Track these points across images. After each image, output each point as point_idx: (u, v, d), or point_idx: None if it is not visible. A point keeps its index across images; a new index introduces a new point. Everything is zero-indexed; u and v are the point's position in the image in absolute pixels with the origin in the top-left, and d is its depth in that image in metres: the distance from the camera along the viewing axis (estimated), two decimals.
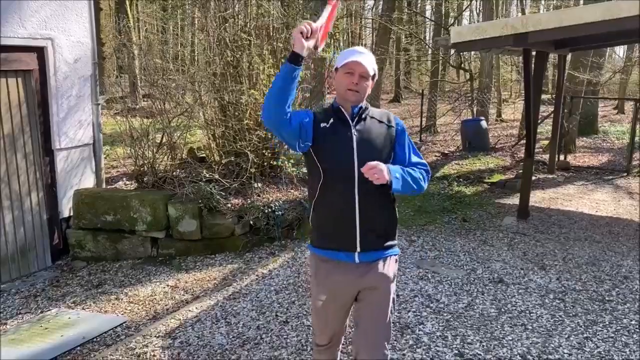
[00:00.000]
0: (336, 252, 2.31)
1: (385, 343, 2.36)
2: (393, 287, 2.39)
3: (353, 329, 2.44)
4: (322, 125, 2.26)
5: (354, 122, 2.28)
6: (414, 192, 2.30)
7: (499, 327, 3.81)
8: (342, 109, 2.29)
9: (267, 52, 6.41)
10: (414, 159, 2.38)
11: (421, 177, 2.32)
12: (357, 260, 2.29)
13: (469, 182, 8.76)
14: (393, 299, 2.39)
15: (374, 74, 2.28)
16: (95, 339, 3.89)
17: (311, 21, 2.15)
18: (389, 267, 2.36)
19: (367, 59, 2.23)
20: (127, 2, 16.02)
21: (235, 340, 3.65)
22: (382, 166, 2.14)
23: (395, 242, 2.40)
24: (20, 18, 5.10)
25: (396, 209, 2.39)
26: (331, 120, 2.28)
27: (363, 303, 2.36)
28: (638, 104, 10.07)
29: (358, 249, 2.27)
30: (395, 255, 2.41)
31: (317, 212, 2.33)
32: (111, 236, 5.60)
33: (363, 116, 2.31)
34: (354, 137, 2.25)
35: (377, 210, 2.29)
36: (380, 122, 2.33)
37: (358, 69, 2.21)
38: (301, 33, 2.08)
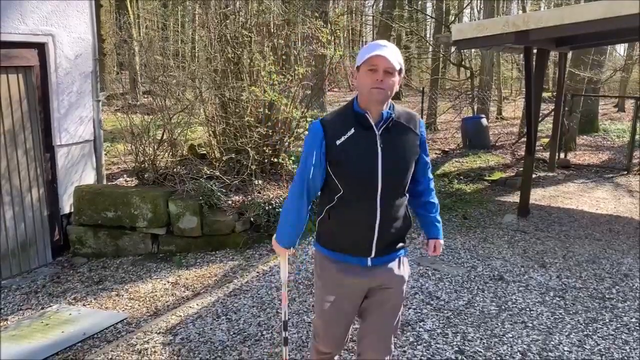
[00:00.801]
0: (348, 257, 2.22)
1: (392, 340, 2.34)
2: (405, 288, 2.35)
3: (359, 323, 2.42)
4: (338, 142, 2.05)
5: (380, 131, 2.07)
6: None
7: (499, 324, 3.81)
8: (368, 116, 2.06)
9: (268, 49, 6.40)
10: (429, 174, 2.38)
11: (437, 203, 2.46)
12: (369, 264, 2.21)
13: (470, 179, 8.76)
14: (403, 297, 2.36)
15: (401, 68, 2.03)
16: (96, 335, 3.89)
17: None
18: (405, 268, 2.32)
19: (391, 52, 1.98)
20: None
21: (236, 337, 3.66)
22: (441, 244, 2.46)
23: (406, 243, 2.35)
24: (21, 14, 5.09)
25: (410, 213, 2.31)
26: (351, 131, 2.06)
27: (374, 300, 2.28)
28: (638, 102, 10.07)
29: (372, 255, 2.20)
30: (405, 255, 2.36)
31: (331, 219, 2.20)
32: (112, 232, 5.61)
33: (390, 122, 2.09)
34: (379, 150, 2.06)
35: (395, 221, 2.19)
36: (407, 127, 2.14)
37: (382, 63, 1.96)
38: None
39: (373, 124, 2.07)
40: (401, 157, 2.12)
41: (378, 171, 2.07)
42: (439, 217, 2.46)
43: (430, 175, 2.40)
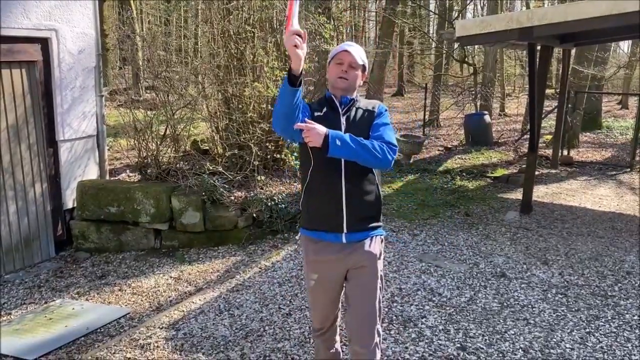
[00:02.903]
0: (324, 234, 2.42)
1: (377, 319, 2.46)
2: (380, 264, 2.48)
3: (346, 310, 2.53)
4: (316, 114, 2.38)
5: (343, 111, 2.42)
6: (369, 162, 2.25)
7: (501, 321, 3.82)
8: (334, 98, 2.43)
9: (271, 45, 6.39)
10: (378, 133, 2.33)
11: (378, 148, 2.22)
12: (343, 240, 2.39)
13: (472, 176, 8.75)
14: (381, 276, 2.49)
15: (364, 65, 2.41)
16: (99, 330, 3.91)
17: (298, 28, 2.11)
18: (375, 245, 2.46)
19: (355, 50, 2.37)
20: None
21: (239, 332, 3.67)
22: (318, 129, 2.14)
23: (380, 223, 2.52)
24: (24, 9, 5.08)
25: (380, 193, 2.50)
26: (324, 109, 2.42)
27: (352, 283, 2.47)
28: None
29: (345, 230, 2.38)
30: (380, 235, 2.51)
31: (307, 196, 2.45)
32: (114, 228, 5.62)
33: (352, 106, 2.44)
34: (342, 126, 2.37)
35: (362, 194, 2.39)
36: (366, 110, 2.45)
37: (347, 58, 2.36)
38: (296, 46, 2.07)
39: (338, 105, 2.42)
40: (360, 133, 2.33)
41: None
42: (361, 140, 2.22)
43: (384, 136, 2.31)
